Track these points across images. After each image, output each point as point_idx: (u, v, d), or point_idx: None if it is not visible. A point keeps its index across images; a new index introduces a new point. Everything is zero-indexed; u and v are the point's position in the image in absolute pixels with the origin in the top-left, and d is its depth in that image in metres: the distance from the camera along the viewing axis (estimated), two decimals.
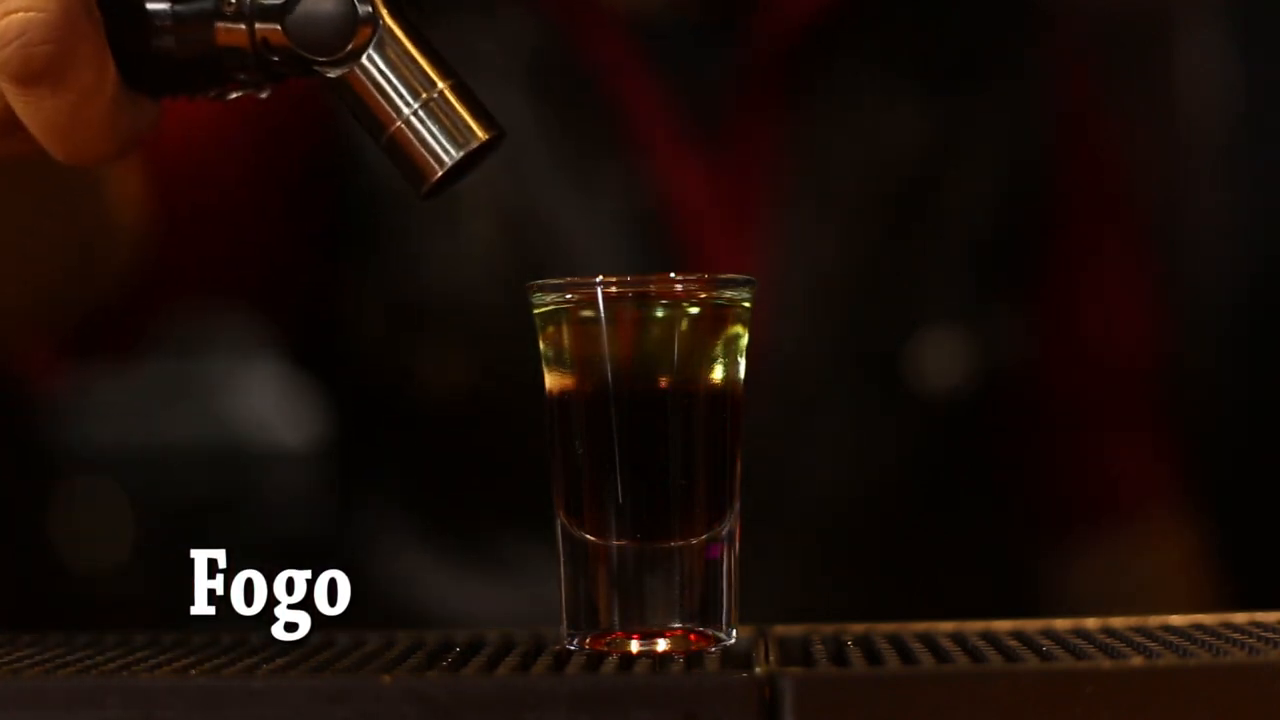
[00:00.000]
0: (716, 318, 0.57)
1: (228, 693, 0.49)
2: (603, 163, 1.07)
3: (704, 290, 0.56)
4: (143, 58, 0.57)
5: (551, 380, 0.57)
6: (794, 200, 1.09)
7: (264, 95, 0.60)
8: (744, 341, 0.58)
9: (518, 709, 0.48)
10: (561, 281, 0.57)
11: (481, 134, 0.56)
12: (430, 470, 1.10)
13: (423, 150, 0.56)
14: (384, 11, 0.56)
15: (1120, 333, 1.19)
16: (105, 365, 1.06)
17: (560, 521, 0.57)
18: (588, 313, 0.56)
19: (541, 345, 0.58)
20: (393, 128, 0.56)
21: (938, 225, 1.11)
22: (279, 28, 0.56)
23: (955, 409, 1.11)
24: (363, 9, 0.56)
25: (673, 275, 0.56)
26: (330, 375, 1.14)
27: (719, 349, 0.57)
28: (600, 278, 0.56)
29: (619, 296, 0.56)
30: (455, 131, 0.56)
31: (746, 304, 0.57)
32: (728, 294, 0.57)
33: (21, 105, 0.56)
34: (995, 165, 1.12)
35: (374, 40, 0.56)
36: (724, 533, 0.57)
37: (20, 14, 0.54)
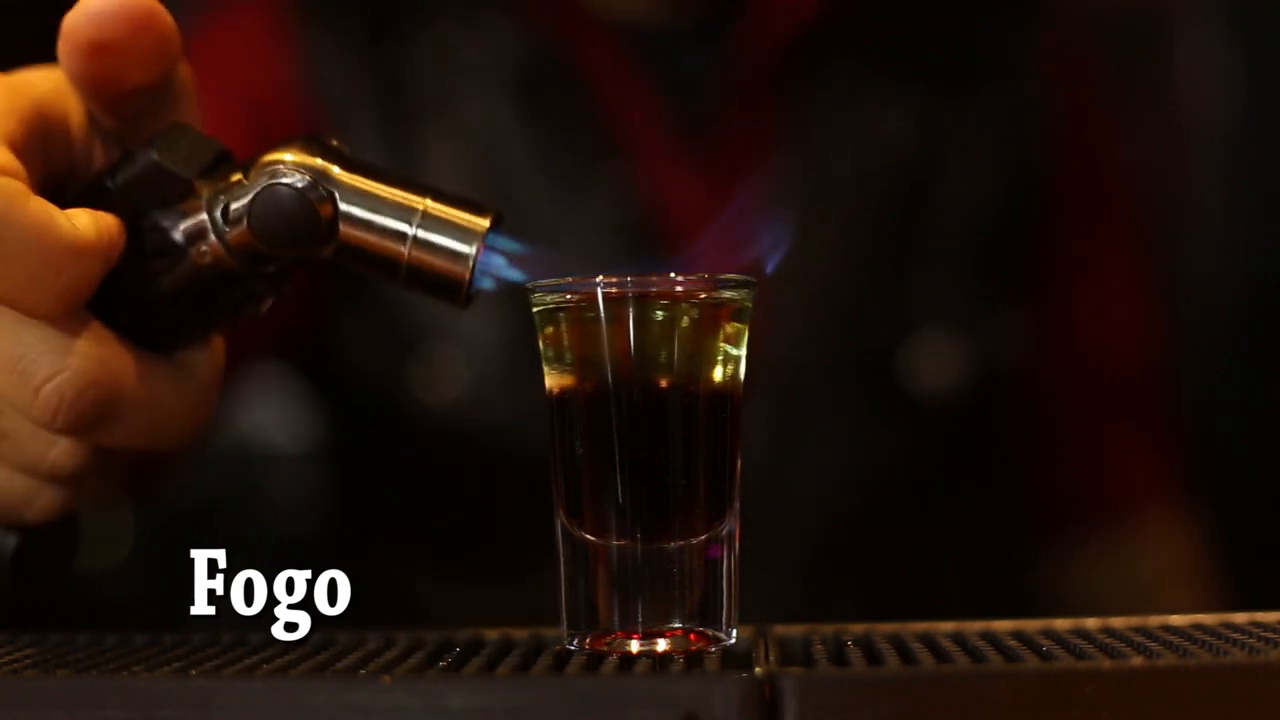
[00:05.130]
0: (717, 318, 0.57)
1: (228, 693, 0.49)
2: (595, 168, 1.07)
3: (704, 290, 0.56)
4: (151, 322, 0.58)
5: (552, 380, 0.57)
6: (789, 203, 1.09)
7: (281, 297, 0.60)
8: (744, 342, 0.58)
9: (518, 709, 0.48)
10: (562, 282, 0.57)
11: (483, 222, 0.57)
12: (430, 471, 1.10)
13: (441, 266, 0.57)
14: (336, 172, 0.57)
15: (1119, 333, 1.19)
16: None
17: (560, 521, 0.57)
18: (588, 313, 0.56)
19: (541, 345, 0.58)
20: (404, 263, 0.57)
21: (934, 226, 1.11)
22: (246, 231, 0.57)
23: (955, 410, 1.11)
24: (313, 187, 0.56)
25: (673, 275, 0.56)
26: (331, 376, 1.14)
27: (719, 349, 0.57)
28: (600, 278, 0.56)
29: (619, 296, 0.56)
30: (459, 234, 0.57)
31: (747, 304, 0.57)
32: (728, 294, 0.57)
33: (103, 441, 0.58)
34: (992, 166, 1.12)
35: (339, 205, 0.56)
36: (724, 533, 0.57)
37: (52, 382, 0.55)
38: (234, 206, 0.56)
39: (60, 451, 0.58)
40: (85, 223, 0.54)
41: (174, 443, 0.60)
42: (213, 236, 0.57)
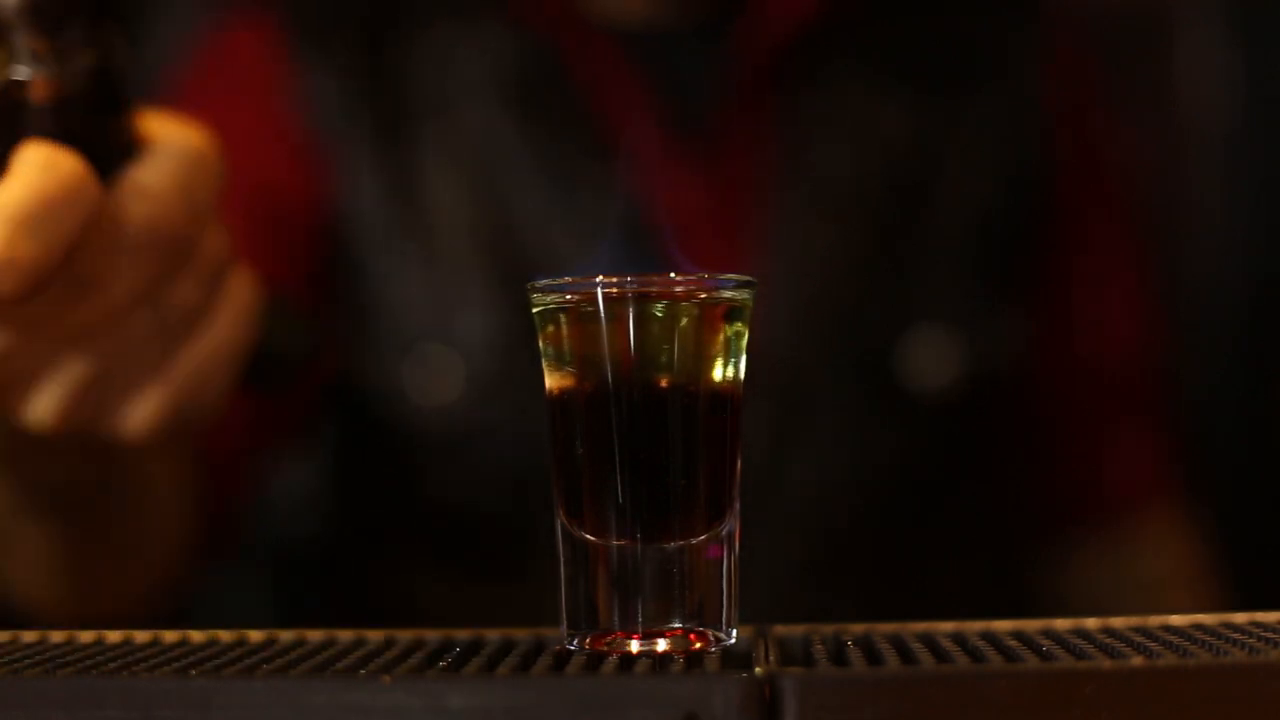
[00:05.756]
0: (717, 318, 0.57)
1: (228, 693, 0.49)
2: (593, 170, 1.07)
3: (704, 290, 0.56)
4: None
5: (552, 380, 0.57)
6: (786, 204, 1.09)
7: (129, 45, 0.63)
8: (744, 342, 0.58)
9: (518, 709, 0.48)
10: (562, 281, 0.57)
11: None
12: (429, 472, 1.10)
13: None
14: None
15: (1119, 333, 1.19)
16: None
17: (560, 521, 0.57)
18: (588, 313, 0.56)
19: (541, 345, 0.58)
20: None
21: (934, 226, 1.11)
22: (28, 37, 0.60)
23: (955, 409, 1.11)
24: None
25: (673, 275, 0.56)
26: (331, 376, 1.14)
27: (719, 349, 0.57)
28: (600, 278, 0.56)
29: (619, 296, 0.56)
30: None
31: (747, 304, 0.57)
32: (728, 294, 0.57)
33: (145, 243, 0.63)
34: (992, 166, 1.12)
35: None
36: (724, 533, 0.57)
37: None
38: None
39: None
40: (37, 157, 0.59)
41: (200, 217, 0.65)
42: (26, 72, 0.59)
